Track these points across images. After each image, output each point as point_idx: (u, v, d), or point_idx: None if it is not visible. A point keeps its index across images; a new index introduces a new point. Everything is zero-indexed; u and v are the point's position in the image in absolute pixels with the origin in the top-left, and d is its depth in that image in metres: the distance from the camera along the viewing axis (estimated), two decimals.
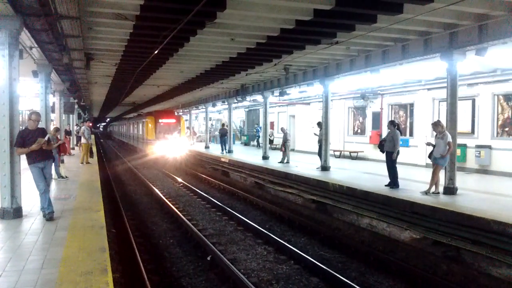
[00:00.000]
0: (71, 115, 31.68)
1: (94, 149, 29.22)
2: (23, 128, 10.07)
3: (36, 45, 12.25)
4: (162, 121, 32.41)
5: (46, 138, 9.18)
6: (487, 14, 11.29)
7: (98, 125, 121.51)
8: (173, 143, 31.06)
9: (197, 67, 20.03)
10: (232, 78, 22.80)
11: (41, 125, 11.39)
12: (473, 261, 9.50)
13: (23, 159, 9.26)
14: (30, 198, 10.74)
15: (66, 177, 15.77)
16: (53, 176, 11.88)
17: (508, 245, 9.16)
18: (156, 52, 14.06)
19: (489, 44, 11.98)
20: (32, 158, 9.12)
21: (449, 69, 13.04)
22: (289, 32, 12.66)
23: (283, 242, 10.70)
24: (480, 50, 12.37)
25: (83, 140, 22.08)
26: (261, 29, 12.89)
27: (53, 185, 13.56)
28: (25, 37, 11.15)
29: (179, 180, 22.88)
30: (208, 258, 9.78)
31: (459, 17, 11.60)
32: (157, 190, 18.60)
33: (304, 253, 9.82)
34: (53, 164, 10.27)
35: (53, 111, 21.90)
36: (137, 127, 38.69)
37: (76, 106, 33.09)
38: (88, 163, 21.39)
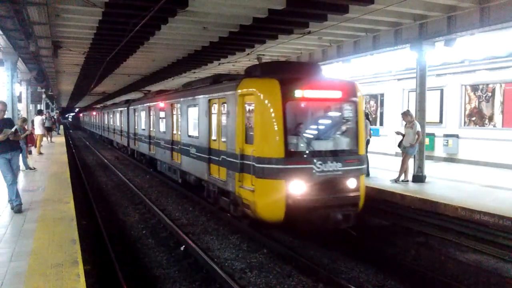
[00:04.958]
0: (38, 105, 30.86)
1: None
2: None
3: (1, 33, 11.87)
4: (307, 94, 9.90)
5: (13, 129, 8.95)
6: (456, 5, 11.53)
7: (67, 115, 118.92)
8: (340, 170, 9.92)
9: (168, 56, 19.81)
10: (204, 67, 22.67)
11: (8, 115, 11.08)
12: (440, 247, 9.76)
13: None
14: None
15: (34, 168, 15.42)
16: (20, 168, 11.61)
17: (474, 230, 9.46)
18: (126, 40, 13.82)
19: (457, 35, 12.27)
20: None
21: (418, 59, 13.29)
22: (262, 21, 12.65)
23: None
24: (448, 41, 12.66)
25: (41, 131, 21.43)
26: (234, 18, 12.83)
27: (21, 177, 13.24)
28: None
29: None
30: (181, 248, 9.75)
31: (428, 8, 11.82)
32: None
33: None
34: (20, 155, 10.03)
35: (19, 101, 21.30)
36: (189, 115, 14.45)
37: (43, 96, 32.25)
38: (41, 153, 20.92)
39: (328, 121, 10.73)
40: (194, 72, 24.65)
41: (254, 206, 9.70)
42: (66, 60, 20.43)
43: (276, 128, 9.50)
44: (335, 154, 9.92)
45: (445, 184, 12.64)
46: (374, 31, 14.50)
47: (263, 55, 18.84)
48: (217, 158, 11.81)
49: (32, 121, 22.94)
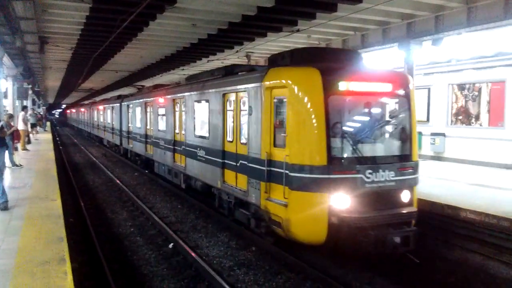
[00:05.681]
0: (24, 101, 30.52)
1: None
2: None
3: None
4: (353, 86, 8.20)
5: None
6: (444, 5, 11.63)
7: (53, 112, 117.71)
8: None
9: (157, 53, 19.71)
10: (193, 64, 22.59)
11: None
12: (427, 245, 9.85)
13: None
14: None
15: (21, 165, 15.25)
16: (6, 164, 11.48)
17: (460, 228, 9.57)
18: (113, 36, 13.71)
19: (445, 34, 12.39)
20: None
21: (406, 58, 13.40)
22: (251, 18, 12.64)
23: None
24: (436, 40, 12.80)
25: (23, 127, 21.09)
26: (223, 15, 12.80)
27: (7, 174, 13.08)
28: None
29: None
30: (170, 246, 9.73)
31: (416, 8, 11.91)
32: None
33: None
34: (6, 151, 9.92)
35: (5, 97, 21.05)
36: (196, 111, 12.80)
37: (30, 92, 31.86)
38: (26, 149, 20.70)
39: (378, 120, 8.85)
40: (183, 69, 24.56)
41: (288, 224, 8.06)
42: (53, 55, 20.22)
43: (316, 129, 7.76)
44: (387, 161, 8.28)
45: (432, 183, 12.76)
46: (362, 30, 14.58)
47: (252, 52, 18.83)
48: (233, 163, 10.14)
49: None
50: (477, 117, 18.07)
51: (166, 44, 17.46)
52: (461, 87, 18.60)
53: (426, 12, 12.14)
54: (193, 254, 8.76)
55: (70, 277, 5.43)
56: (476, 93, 18.02)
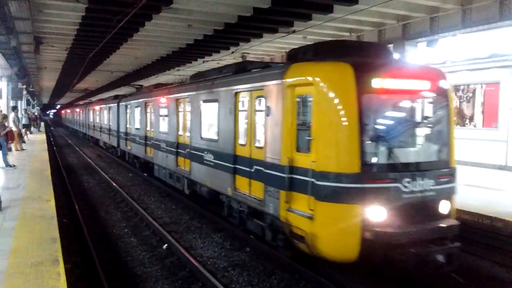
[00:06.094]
0: (19, 101, 30.42)
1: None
2: None
3: None
4: (388, 84, 7.23)
5: None
6: (439, 7, 11.70)
7: (48, 112, 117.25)
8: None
9: (152, 53, 19.70)
10: (189, 65, 22.60)
11: None
12: None
13: None
14: None
15: (14, 165, 15.17)
16: (0, 165, 11.44)
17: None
18: (109, 36, 13.69)
19: (440, 36, 12.45)
20: None
21: (401, 60, 13.44)
22: (247, 19, 12.67)
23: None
24: (431, 42, 12.87)
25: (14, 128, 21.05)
26: (219, 16, 12.82)
27: (1, 174, 13.02)
28: None
29: None
30: (164, 247, 9.71)
31: (412, 9, 11.97)
32: None
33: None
34: (0, 152, 9.88)
35: (0, 97, 20.98)
36: (202, 112, 11.85)
37: (24, 92, 31.76)
38: (23, 149, 20.64)
39: (415, 122, 7.96)
40: (178, 70, 24.56)
41: (313, 239, 7.17)
42: (48, 56, 20.18)
43: (348, 132, 6.90)
44: (425, 168, 7.35)
45: None
46: (358, 31, 14.63)
47: (248, 53, 18.86)
48: (247, 169, 9.28)
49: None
50: (471, 118, 18.14)
51: (162, 45, 17.46)
52: (456, 88, 18.67)
53: (422, 14, 12.20)
54: (187, 255, 8.73)
55: (63, 278, 5.41)
56: (471, 94, 18.10)
